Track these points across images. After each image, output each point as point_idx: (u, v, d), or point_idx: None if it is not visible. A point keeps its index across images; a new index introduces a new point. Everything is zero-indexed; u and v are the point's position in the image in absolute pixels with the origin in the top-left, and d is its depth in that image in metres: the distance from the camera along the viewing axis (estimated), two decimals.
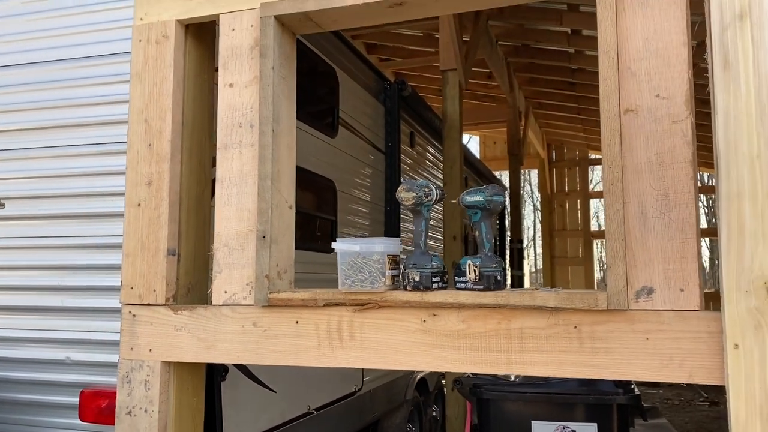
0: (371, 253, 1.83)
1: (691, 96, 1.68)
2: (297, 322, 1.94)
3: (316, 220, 3.97)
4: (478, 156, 12.75)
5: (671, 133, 1.67)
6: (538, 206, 18.35)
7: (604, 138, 1.71)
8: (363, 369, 4.41)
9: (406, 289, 1.83)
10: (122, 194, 2.68)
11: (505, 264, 1.83)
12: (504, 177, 13.36)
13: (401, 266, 1.88)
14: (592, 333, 1.68)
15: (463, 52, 6.02)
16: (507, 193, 10.44)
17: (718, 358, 1.56)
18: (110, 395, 2.66)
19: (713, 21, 1.62)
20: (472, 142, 17.59)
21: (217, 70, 2.27)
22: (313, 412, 3.70)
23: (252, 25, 2.10)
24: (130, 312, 2.13)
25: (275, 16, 2.05)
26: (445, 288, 1.86)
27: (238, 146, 2.07)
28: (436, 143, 6.52)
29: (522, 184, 10.72)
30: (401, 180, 5.26)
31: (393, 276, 1.87)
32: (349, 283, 1.86)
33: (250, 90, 2.07)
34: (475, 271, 1.75)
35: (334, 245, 1.90)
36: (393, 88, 5.25)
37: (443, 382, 6.63)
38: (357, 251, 1.83)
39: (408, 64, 8.67)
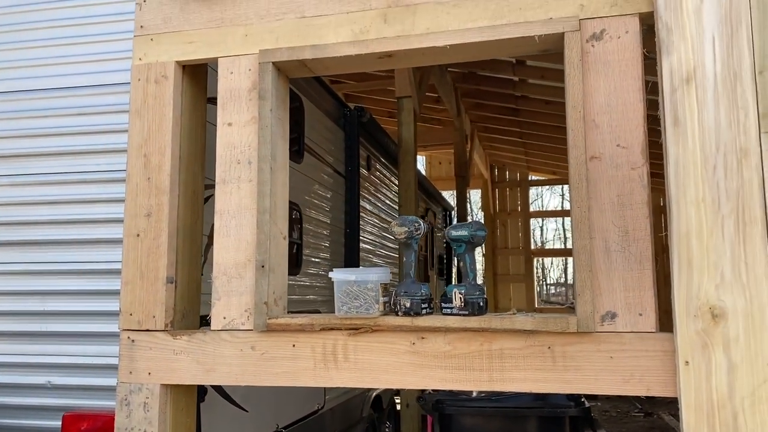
0: (366, 281, 2.01)
1: (647, 146, 1.95)
2: (294, 345, 2.10)
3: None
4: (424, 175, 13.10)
5: (630, 178, 1.93)
6: (478, 216, 18.86)
7: (572, 181, 1.96)
8: (325, 388, 4.55)
9: (397, 315, 2.02)
10: (100, 222, 2.77)
11: (485, 291, 2.04)
12: (449, 196, 13.74)
13: (392, 293, 2.07)
14: (564, 353, 1.91)
15: (417, 79, 6.30)
16: (453, 213, 10.78)
17: (672, 373, 1.82)
18: (91, 418, 2.73)
19: (665, 83, 1.90)
20: (419, 161, 17.96)
21: (211, 99, 2.43)
22: (282, 431, 3.82)
23: (250, 69, 2.26)
24: (128, 337, 2.23)
25: (273, 62, 2.22)
26: (432, 313, 2.06)
27: (236, 181, 2.22)
28: (390, 166, 6.76)
29: (468, 197, 11.11)
30: (359, 202, 5.47)
31: (384, 302, 2.05)
32: (345, 309, 2.03)
33: (248, 129, 2.23)
34: (460, 298, 1.96)
35: (331, 275, 2.07)
36: (353, 114, 5.45)
37: (396, 399, 6.81)
38: (353, 280, 2.01)
39: (362, 87, 8.91)
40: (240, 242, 2.18)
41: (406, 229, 2.03)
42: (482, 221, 10.85)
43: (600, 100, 1.98)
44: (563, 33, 2.01)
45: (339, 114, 5.30)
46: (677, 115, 1.87)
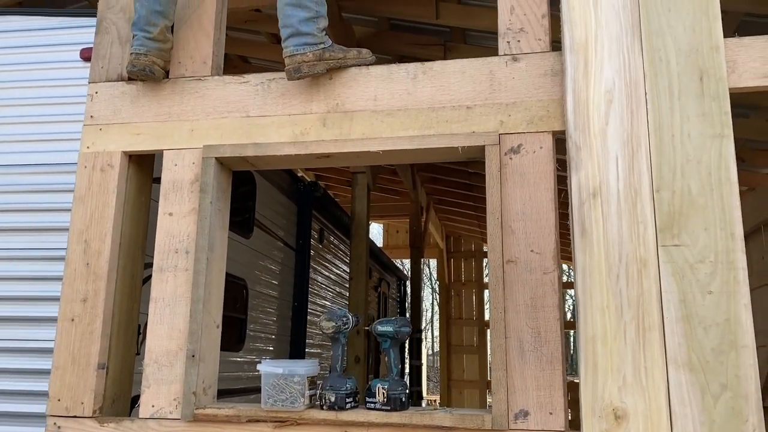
0: (293, 375, 2.07)
1: (558, 252, 2.10)
2: None
3: (227, 320, 4.12)
4: (381, 243, 13.25)
5: (542, 282, 2.07)
6: (437, 289, 19.00)
7: (490, 283, 2.09)
8: None
9: (322, 408, 2.08)
10: (40, 300, 2.79)
11: (408, 385, 2.13)
12: (406, 264, 13.86)
13: (318, 385, 2.14)
14: None
15: None
16: (408, 283, 10.88)
17: None
18: None
19: (574, 196, 2.07)
20: (376, 229, 18.17)
21: (156, 179, 2.51)
22: None
23: (194, 163, 2.37)
24: (55, 424, 2.23)
25: (216, 158, 2.34)
26: (356, 407, 2.12)
27: (173, 270, 2.29)
28: (343, 237, 6.88)
29: (422, 268, 11.24)
30: (309, 276, 5.53)
31: (311, 396, 2.11)
32: (272, 402, 2.08)
33: (187, 220, 2.32)
34: (383, 393, 2.04)
35: (259, 367, 2.13)
36: (306, 188, 5.59)
37: None
38: (280, 373, 2.07)
39: None
40: (173, 330, 2.24)
41: (334, 324, 2.12)
42: (408, 318, 10.94)
43: (516, 208, 2.14)
44: (484, 146, 2.18)
45: (292, 188, 5.43)
46: (585, 226, 2.04)
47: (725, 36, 4.61)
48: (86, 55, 3.12)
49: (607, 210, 2.04)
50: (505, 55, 2.27)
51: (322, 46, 2.28)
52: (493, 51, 2.35)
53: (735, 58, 2.08)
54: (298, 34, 2.24)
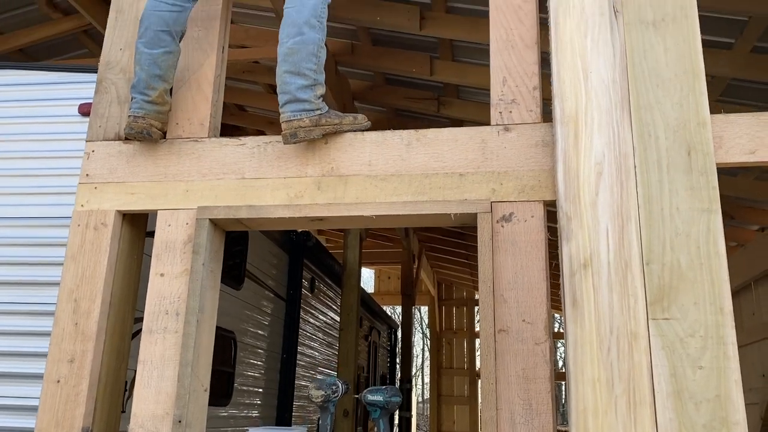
0: None
1: (550, 322, 2.11)
2: None
3: (214, 374, 4.07)
4: (372, 289, 13.20)
5: (534, 353, 2.07)
6: (428, 334, 18.86)
7: (482, 353, 2.09)
8: None
9: None
10: (27, 355, 2.75)
11: None
12: (397, 310, 13.78)
13: None
14: None
15: None
16: (398, 331, 10.80)
17: None
18: None
19: (565, 266, 2.09)
20: (367, 274, 18.12)
21: (150, 233, 2.51)
22: None
23: (187, 223, 2.38)
24: None
25: (210, 219, 2.35)
26: None
27: (162, 332, 2.27)
28: (335, 286, 6.85)
29: (414, 314, 11.16)
30: (299, 327, 5.49)
31: None
32: None
33: (179, 281, 2.32)
34: None
35: None
36: (298, 238, 5.60)
37: None
38: None
39: None
40: (160, 394, 2.21)
41: (323, 392, 2.10)
42: (397, 388, 10.85)
43: (508, 277, 2.15)
44: (476, 213, 2.21)
45: (284, 238, 5.44)
46: (576, 297, 2.05)
47: (713, 98, 4.71)
48: (84, 110, 3.16)
49: (598, 282, 2.06)
50: (497, 125, 2.31)
51: (318, 112, 2.32)
52: (485, 106, 2.40)
53: (722, 134, 2.13)
54: (296, 101, 2.28)
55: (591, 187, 2.13)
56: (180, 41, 2.44)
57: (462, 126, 6.76)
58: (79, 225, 2.43)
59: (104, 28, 5.21)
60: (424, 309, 20.75)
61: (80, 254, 2.39)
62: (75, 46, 6.45)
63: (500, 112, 2.33)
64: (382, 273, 13.57)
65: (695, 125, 2.12)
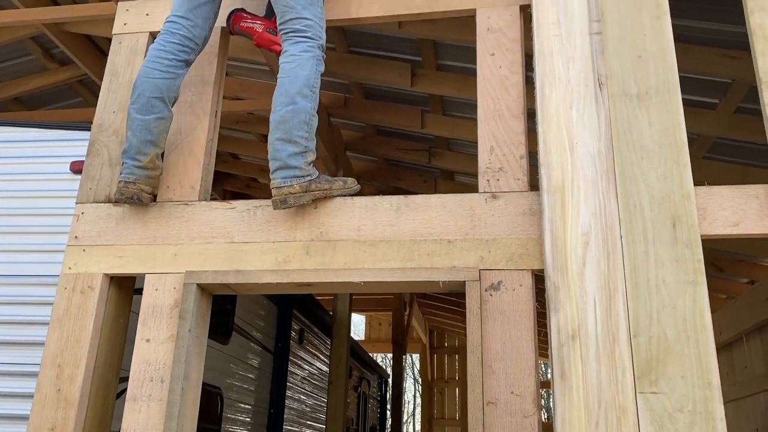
0: None
1: (538, 395, 2.09)
2: None
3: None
4: (363, 336, 13.08)
5: (522, 426, 2.05)
6: (419, 380, 18.61)
7: (470, 425, 2.06)
8: None
9: None
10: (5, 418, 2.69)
11: None
12: (389, 357, 13.62)
13: None
14: None
15: None
16: (389, 380, 10.66)
17: None
18: None
19: (553, 338, 2.09)
20: (358, 319, 17.98)
21: (138, 290, 2.49)
22: None
23: (175, 288, 2.37)
24: None
25: (198, 284, 2.34)
26: None
27: (146, 399, 2.24)
28: (324, 337, 6.79)
29: (405, 362, 11.03)
30: (287, 380, 5.41)
31: None
32: None
33: (165, 347, 2.29)
34: None
35: None
36: None
37: None
38: None
39: None
40: None
41: None
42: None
43: (497, 348, 2.14)
44: (465, 281, 2.21)
45: None
46: (564, 370, 2.04)
47: (699, 155, 4.78)
48: (76, 168, 3.17)
49: (586, 354, 2.05)
50: (485, 192, 2.34)
51: (308, 178, 2.34)
52: (475, 158, 2.41)
53: (706, 206, 2.16)
54: (287, 167, 2.30)
55: (578, 257, 2.14)
56: (173, 106, 2.48)
57: (453, 177, 6.82)
58: (65, 288, 2.42)
59: (99, 78, 5.27)
60: (416, 357, 20.55)
61: (66, 318, 2.37)
62: (70, 95, 6.51)
63: (488, 180, 2.36)
64: (373, 319, 13.47)
65: (680, 197, 2.15)
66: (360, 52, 5.10)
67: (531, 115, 2.37)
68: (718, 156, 4.79)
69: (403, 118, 5.74)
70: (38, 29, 5.26)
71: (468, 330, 2.17)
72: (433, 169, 6.58)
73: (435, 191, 6.88)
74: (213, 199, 2.51)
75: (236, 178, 7.89)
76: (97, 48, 5.73)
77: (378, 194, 7.66)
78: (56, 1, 5.34)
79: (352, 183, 2.48)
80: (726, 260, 6.17)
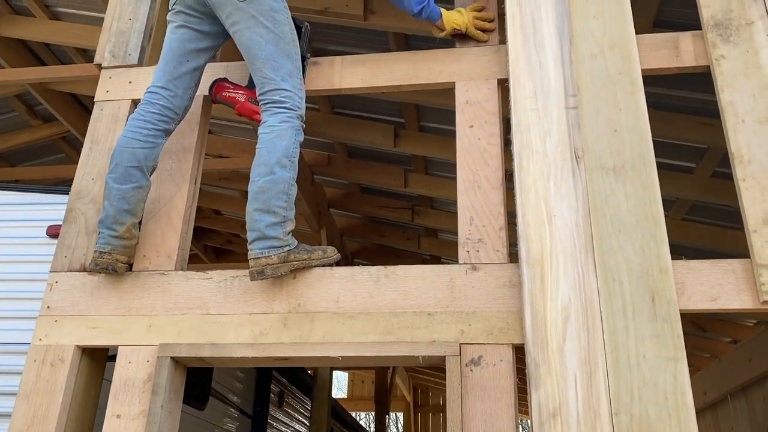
0: None
1: None
2: None
3: None
4: (345, 394, 12.83)
5: None
6: None
7: None
8: None
9: None
10: None
11: None
12: (372, 417, 13.33)
13: None
14: None
15: None
16: None
17: None
18: None
19: (534, 415, 2.05)
20: (341, 375, 17.68)
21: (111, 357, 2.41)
22: None
23: (148, 360, 2.31)
24: None
25: (172, 357, 2.28)
26: None
27: None
28: (304, 398, 6.63)
29: (388, 423, 10.76)
30: None
31: None
32: None
33: (136, 423, 2.22)
34: None
35: None
36: None
37: None
38: None
39: None
40: None
41: None
42: None
43: (477, 426, 2.09)
44: (445, 356, 2.18)
45: None
46: None
47: (679, 217, 4.83)
48: (53, 232, 3.14)
49: None
50: (465, 263, 2.33)
51: (287, 248, 2.32)
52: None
53: (684, 280, 2.16)
54: (264, 238, 2.28)
55: (558, 332, 2.12)
56: (151, 175, 2.47)
57: (437, 235, 6.82)
58: (35, 360, 2.35)
59: (82, 135, 5.28)
60: (400, 416, 20.15)
61: (34, 392, 2.29)
62: (52, 151, 6.51)
63: (468, 251, 2.35)
64: (356, 377, 13.23)
65: (658, 271, 2.16)
66: (344, 113, 5.17)
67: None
68: (697, 218, 4.86)
69: (386, 176, 5.78)
70: (23, 87, 5.28)
71: (448, 407, 2.12)
72: (417, 226, 6.59)
73: (419, 248, 6.89)
74: (193, 255, 2.48)
75: (218, 233, 7.86)
76: (81, 105, 5.76)
77: (362, 251, 7.68)
78: (42, 61, 5.39)
79: (332, 252, 2.46)
80: (708, 320, 6.18)
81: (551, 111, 2.43)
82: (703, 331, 6.31)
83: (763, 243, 2.15)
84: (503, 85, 2.58)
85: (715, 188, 4.36)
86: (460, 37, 2.71)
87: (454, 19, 2.65)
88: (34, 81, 4.82)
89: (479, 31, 2.67)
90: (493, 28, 2.69)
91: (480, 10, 2.71)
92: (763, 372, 4.59)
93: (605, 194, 2.28)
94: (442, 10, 2.66)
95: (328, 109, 5.06)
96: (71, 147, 6.38)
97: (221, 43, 2.65)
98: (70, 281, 2.48)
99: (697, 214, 4.82)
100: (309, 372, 6.42)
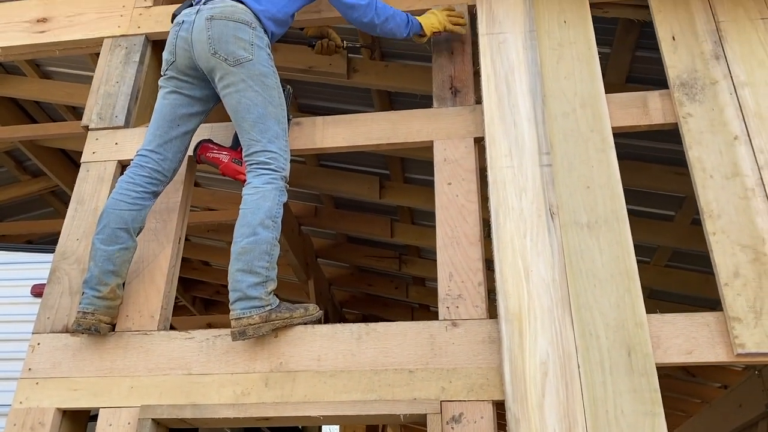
0: None
1: None
2: None
3: None
4: None
5: None
6: None
7: None
8: None
9: None
10: None
11: None
12: None
13: None
14: None
15: None
16: None
17: None
18: None
19: None
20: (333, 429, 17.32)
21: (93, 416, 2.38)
22: None
23: (129, 423, 2.30)
24: None
25: (153, 419, 2.28)
26: None
27: None
28: None
29: None
30: None
31: None
32: None
33: None
34: None
35: None
36: None
37: None
38: None
39: None
40: None
41: None
42: None
43: None
44: (426, 414, 2.19)
45: None
46: None
47: (661, 264, 4.87)
48: (37, 291, 3.15)
49: None
50: (445, 320, 2.36)
51: (269, 308, 2.34)
52: None
53: (659, 334, 2.20)
54: (246, 298, 2.31)
55: (537, 388, 2.14)
56: (137, 236, 2.50)
57: (425, 283, 6.84)
58: (14, 424, 2.33)
59: (70, 189, 5.32)
60: None
61: None
62: (41, 205, 6.54)
63: (447, 307, 2.38)
64: (347, 429, 13.00)
65: (633, 325, 2.19)
66: (330, 166, 5.25)
67: None
68: (680, 264, 4.92)
69: (372, 227, 5.83)
70: (13, 144, 5.34)
71: None
72: (405, 275, 6.62)
73: (407, 297, 6.90)
74: (181, 306, 2.49)
75: (207, 284, 7.84)
76: (70, 159, 5.82)
77: (350, 300, 7.65)
78: (33, 118, 5.47)
79: (314, 309, 2.49)
80: (696, 366, 6.18)
81: (526, 168, 2.50)
82: (692, 376, 6.30)
83: (735, 296, 2.20)
84: (480, 143, 2.66)
85: (696, 235, 4.42)
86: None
87: (432, 23, 2.83)
88: (24, 139, 4.88)
89: (456, 26, 2.86)
90: (464, 23, 2.88)
91: (450, 11, 2.90)
92: (753, 418, 4.57)
93: (580, 249, 2.34)
94: (419, 18, 2.82)
95: (314, 161, 5.15)
96: (60, 201, 6.41)
97: (212, 108, 2.72)
98: (53, 342, 2.48)
99: (679, 261, 4.88)
100: (299, 427, 6.32)
